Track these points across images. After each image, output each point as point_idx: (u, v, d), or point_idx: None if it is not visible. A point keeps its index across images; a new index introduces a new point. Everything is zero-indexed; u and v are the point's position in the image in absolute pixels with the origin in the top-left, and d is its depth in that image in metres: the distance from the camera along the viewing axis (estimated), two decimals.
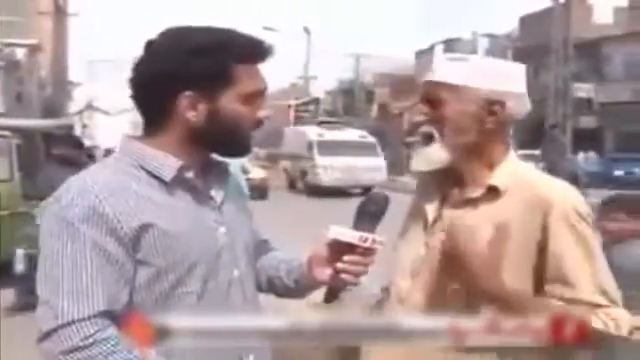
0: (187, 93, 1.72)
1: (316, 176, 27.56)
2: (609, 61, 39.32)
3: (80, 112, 48.50)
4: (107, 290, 1.63)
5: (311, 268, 1.94)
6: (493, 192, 1.92)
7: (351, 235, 1.83)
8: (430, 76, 1.97)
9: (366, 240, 1.82)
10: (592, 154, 31.67)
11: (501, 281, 1.82)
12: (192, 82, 1.73)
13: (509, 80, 1.95)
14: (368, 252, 1.85)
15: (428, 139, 1.96)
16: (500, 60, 2.03)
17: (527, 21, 45.10)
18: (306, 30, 49.58)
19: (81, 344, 1.57)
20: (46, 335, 1.60)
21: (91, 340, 1.57)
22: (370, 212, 1.87)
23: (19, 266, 7.34)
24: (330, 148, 27.82)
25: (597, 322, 1.79)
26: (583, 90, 33.18)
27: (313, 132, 30.36)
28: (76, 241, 1.62)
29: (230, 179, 1.95)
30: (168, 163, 1.75)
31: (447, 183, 2.03)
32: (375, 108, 68.46)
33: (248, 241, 1.95)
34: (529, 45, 40.18)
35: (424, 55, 62.95)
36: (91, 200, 1.64)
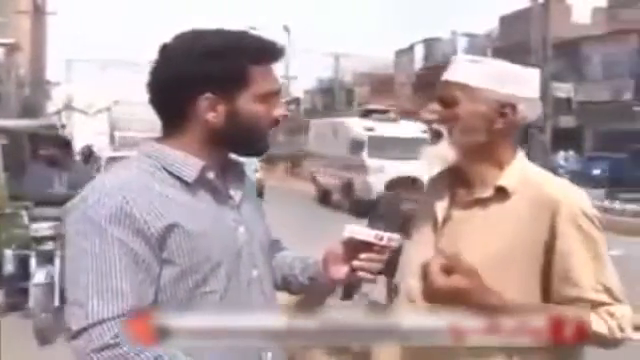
0: (207, 95, 1.75)
1: (366, 187, 19.17)
2: (588, 61, 39.66)
3: (58, 112, 48.10)
4: (136, 289, 1.65)
5: (327, 266, 1.98)
6: (502, 193, 1.95)
7: (367, 233, 1.89)
8: (447, 76, 2.00)
9: (382, 238, 1.88)
10: (572, 153, 31.92)
11: (500, 294, 1.84)
12: (210, 84, 1.75)
13: (522, 84, 1.98)
14: (383, 250, 1.90)
15: (437, 137, 1.99)
16: (515, 65, 2.05)
17: (506, 21, 45.38)
18: (286, 29, 49.55)
19: (112, 342, 1.59)
20: (77, 334, 1.62)
21: (122, 338, 1.60)
22: (385, 211, 1.90)
23: (7, 267, 7.32)
24: (385, 148, 19.59)
25: (599, 321, 1.83)
26: (562, 90, 33.42)
27: (357, 125, 21.84)
28: (104, 241, 1.64)
29: (246, 179, 1.97)
30: (190, 164, 1.78)
31: (456, 184, 2.06)
32: (355, 107, 68.61)
33: (264, 240, 1.98)
34: (508, 45, 40.42)
35: (403, 54, 63.16)
36: (118, 200, 1.66)
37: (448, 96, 1.97)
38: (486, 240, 1.91)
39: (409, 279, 2.07)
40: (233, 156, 1.95)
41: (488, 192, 1.96)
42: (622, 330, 1.84)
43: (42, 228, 6.88)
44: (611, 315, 1.84)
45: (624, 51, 37.82)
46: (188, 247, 1.71)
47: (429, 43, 60.11)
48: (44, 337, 6.51)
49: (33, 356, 6.10)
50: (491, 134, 1.96)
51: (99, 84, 59.81)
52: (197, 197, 1.77)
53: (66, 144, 7.93)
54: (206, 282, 1.74)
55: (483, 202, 1.97)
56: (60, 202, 7.22)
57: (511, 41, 40.47)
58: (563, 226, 1.87)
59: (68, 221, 1.74)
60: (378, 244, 1.89)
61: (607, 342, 1.85)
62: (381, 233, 1.90)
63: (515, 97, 1.95)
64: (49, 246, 6.85)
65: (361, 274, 1.92)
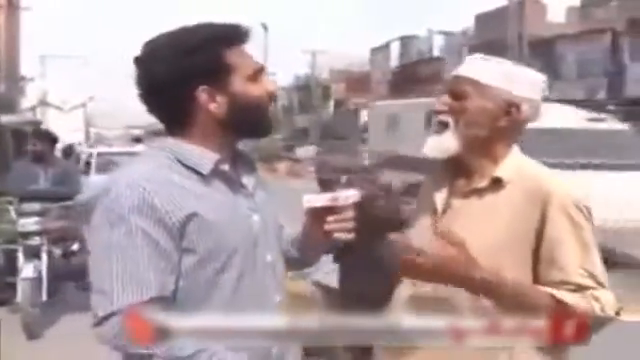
0: (202, 88, 1.85)
1: None
2: (562, 60, 39.99)
3: (33, 108, 47.63)
4: (157, 277, 1.73)
5: (305, 238, 2.13)
6: (497, 183, 2.08)
7: (323, 198, 2.01)
8: (459, 71, 2.13)
9: (337, 199, 1.99)
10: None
11: (497, 271, 1.95)
12: (201, 77, 1.84)
13: (529, 87, 2.11)
14: (344, 208, 2.01)
15: (443, 127, 2.11)
16: (525, 67, 2.18)
17: (482, 19, 45.57)
18: (264, 26, 49.48)
19: None
20: (102, 320, 1.71)
21: None
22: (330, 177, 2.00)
23: None
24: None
25: (585, 302, 1.94)
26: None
27: None
28: (127, 231, 1.73)
29: (257, 169, 2.08)
30: (206, 157, 1.87)
31: (455, 175, 2.18)
32: (331, 104, 68.61)
33: (276, 227, 2.08)
34: (484, 43, 40.62)
35: (380, 52, 63.26)
36: (140, 192, 1.75)
37: (459, 90, 2.09)
38: (483, 228, 2.02)
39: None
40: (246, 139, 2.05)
41: (485, 182, 2.09)
42: (605, 313, 1.95)
43: (29, 223, 6.89)
44: (596, 299, 1.95)
45: (598, 50, 38.21)
46: (207, 236, 1.78)
47: (405, 41, 60.23)
48: (32, 331, 6.55)
49: (21, 350, 6.12)
50: (494, 130, 2.08)
51: (74, 80, 59.23)
52: (213, 188, 1.86)
53: (52, 140, 7.91)
54: (224, 269, 1.81)
55: (480, 192, 2.09)
56: (44, 198, 7.27)
57: (487, 39, 40.65)
58: (554, 214, 1.99)
59: (93, 213, 1.82)
60: (336, 205, 2.00)
61: (594, 323, 1.94)
62: (335, 194, 2.00)
63: (521, 97, 2.08)
64: (36, 241, 6.87)
65: (336, 235, 2.04)
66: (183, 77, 1.83)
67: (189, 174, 1.84)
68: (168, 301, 1.75)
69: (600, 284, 1.98)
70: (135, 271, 1.71)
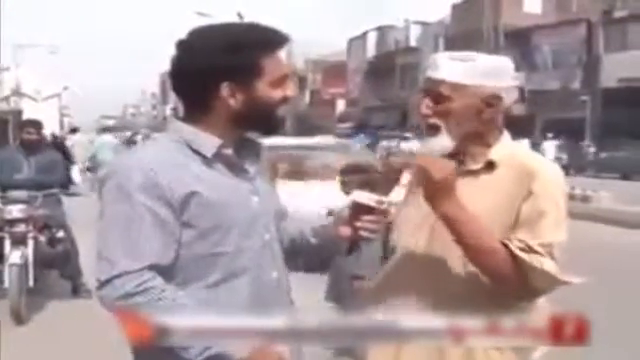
0: (226, 84, 1.98)
1: None
2: (538, 50, 40.37)
3: (7, 97, 47.21)
4: (157, 247, 1.90)
5: (336, 227, 2.29)
6: (490, 165, 2.21)
7: (370, 198, 2.21)
8: (434, 74, 2.22)
9: (382, 203, 2.20)
10: (525, 141, 32.54)
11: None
12: (228, 75, 1.98)
13: (504, 76, 2.23)
14: (383, 213, 2.22)
15: (434, 130, 2.22)
16: (493, 57, 2.31)
17: (459, 9, 45.83)
18: (239, 16, 49.26)
19: (133, 291, 1.84)
20: (103, 284, 1.88)
21: (142, 288, 1.85)
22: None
23: None
24: None
25: (526, 257, 2.06)
26: (514, 79, 33.90)
27: None
28: (132, 206, 1.90)
29: (262, 156, 2.20)
30: (209, 141, 2.01)
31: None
32: (307, 94, 68.70)
33: (277, 210, 2.22)
34: (461, 33, 40.89)
35: (356, 42, 63.38)
36: (145, 171, 1.91)
37: (439, 93, 2.20)
38: (475, 203, 2.14)
39: (406, 238, 2.32)
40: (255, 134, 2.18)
41: (479, 165, 2.22)
42: (543, 277, 2.07)
43: (15, 210, 6.91)
44: (541, 264, 2.07)
45: (573, 41, 38.62)
46: (206, 212, 1.95)
47: (382, 31, 60.44)
48: (19, 317, 6.59)
49: (8, 335, 6.16)
50: (482, 123, 2.20)
51: (49, 70, 58.62)
52: (216, 170, 2.01)
53: (38, 126, 7.91)
54: (220, 243, 1.97)
55: (474, 173, 2.22)
56: (29, 187, 7.28)
57: (463, 29, 40.95)
58: (535, 188, 2.12)
59: (102, 191, 1.98)
60: (379, 208, 2.20)
61: (534, 279, 2.07)
62: (383, 198, 2.21)
63: (499, 88, 2.19)
64: (22, 228, 6.89)
65: (362, 233, 2.22)
66: (213, 72, 1.97)
67: (194, 156, 1.99)
68: (167, 269, 1.91)
69: (550, 255, 2.09)
70: (136, 240, 1.88)
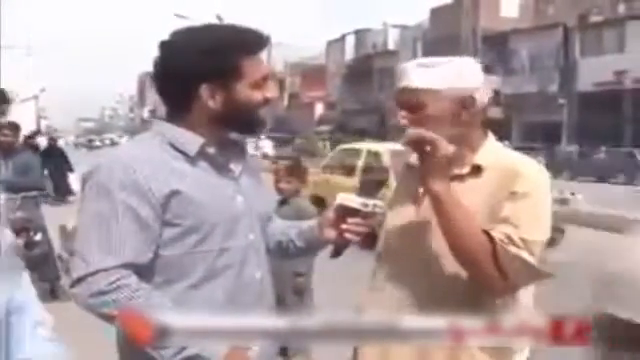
0: (205, 85, 1.98)
1: None
2: (516, 54, 40.63)
3: None
4: (134, 246, 1.90)
5: (320, 229, 2.25)
6: (477, 169, 2.22)
7: (355, 201, 2.18)
8: (405, 83, 2.23)
9: (367, 205, 2.16)
10: (505, 144, 32.82)
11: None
12: (209, 77, 1.99)
13: (473, 76, 2.24)
14: (369, 215, 2.18)
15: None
16: (459, 59, 2.29)
17: (437, 13, 46.00)
18: (218, 18, 49.21)
19: (106, 289, 1.85)
20: (77, 282, 1.89)
21: (115, 285, 1.85)
22: (372, 182, 2.15)
23: None
24: None
25: (508, 251, 2.07)
26: (491, 82, 34.15)
27: None
28: (112, 204, 1.90)
29: (248, 157, 2.21)
30: (192, 140, 2.01)
31: None
32: (286, 97, 68.66)
33: (262, 211, 2.22)
34: (438, 36, 41.07)
35: (334, 45, 63.46)
36: (127, 170, 1.91)
37: (412, 101, 2.21)
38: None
39: (391, 242, 2.33)
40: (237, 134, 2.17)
41: (465, 169, 2.23)
42: (522, 267, 2.08)
43: None
44: (520, 254, 2.07)
45: (550, 44, 38.91)
46: (189, 211, 1.94)
47: (360, 34, 60.56)
48: None
49: None
50: (460, 125, 2.21)
51: (27, 72, 58.17)
52: (199, 168, 2.01)
53: (15, 128, 7.85)
54: (203, 242, 1.97)
55: (460, 177, 2.23)
56: (6, 189, 7.21)
57: (441, 33, 41.15)
58: (520, 188, 2.13)
59: (84, 189, 1.99)
60: (364, 210, 2.17)
61: (512, 269, 2.07)
62: (368, 201, 2.17)
63: (471, 89, 2.20)
64: None
65: (348, 236, 2.19)
66: (193, 73, 1.97)
67: (177, 155, 1.99)
68: (146, 268, 1.92)
69: (530, 252, 2.10)
70: (112, 238, 1.88)
